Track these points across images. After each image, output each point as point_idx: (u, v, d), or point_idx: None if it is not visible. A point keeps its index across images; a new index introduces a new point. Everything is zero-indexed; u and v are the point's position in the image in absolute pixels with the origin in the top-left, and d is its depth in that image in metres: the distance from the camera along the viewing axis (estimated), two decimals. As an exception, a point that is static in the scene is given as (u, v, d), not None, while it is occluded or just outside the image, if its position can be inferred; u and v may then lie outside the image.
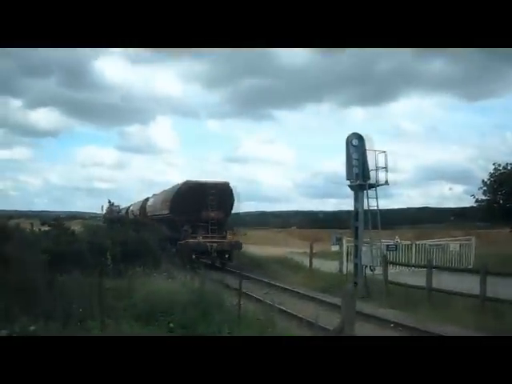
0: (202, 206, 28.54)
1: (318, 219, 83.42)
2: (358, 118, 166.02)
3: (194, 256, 25.90)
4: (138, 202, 41.32)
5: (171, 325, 10.68)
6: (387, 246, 23.07)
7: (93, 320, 10.06)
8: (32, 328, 8.26)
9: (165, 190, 34.12)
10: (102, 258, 17.09)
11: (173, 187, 32.14)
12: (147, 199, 38.34)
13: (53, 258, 14.21)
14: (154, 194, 37.40)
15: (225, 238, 28.96)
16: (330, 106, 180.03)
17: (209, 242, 27.76)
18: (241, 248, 29.23)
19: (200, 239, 27.95)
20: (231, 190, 30.13)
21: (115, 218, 27.50)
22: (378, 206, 19.58)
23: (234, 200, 30.25)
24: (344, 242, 23.76)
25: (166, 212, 30.56)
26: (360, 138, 20.21)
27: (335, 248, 24.30)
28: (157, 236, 23.16)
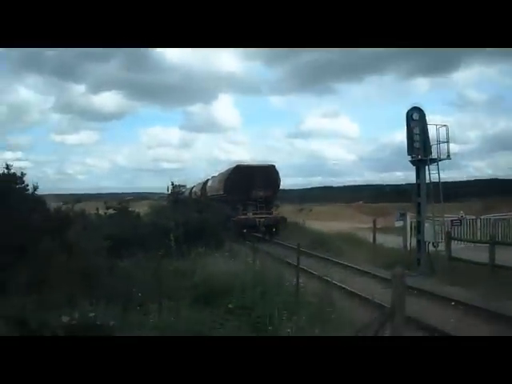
0: (251, 186, 32.31)
1: (384, 193, 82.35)
2: (422, 89, 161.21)
3: (244, 230, 27.42)
4: (199, 183, 44.40)
5: (230, 306, 10.94)
6: (451, 221, 22.69)
7: (153, 303, 10.43)
8: (92, 314, 8.56)
9: (221, 173, 37.62)
10: (165, 239, 17.59)
11: (226, 170, 35.84)
12: (207, 181, 41.43)
13: (116, 242, 14.74)
14: (213, 176, 40.36)
15: (271, 213, 33.05)
16: (392, 76, 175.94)
17: (257, 217, 31.72)
18: (286, 222, 33.18)
19: (249, 215, 31.91)
20: (277, 172, 34.32)
21: (178, 199, 28.20)
22: (439, 181, 19.28)
23: (279, 180, 34.68)
24: (408, 217, 23.47)
25: (222, 192, 34.17)
26: (421, 111, 19.87)
27: (399, 224, 24.04)
28: (217, 215, 23.76)
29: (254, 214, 32.07)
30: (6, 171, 14.42)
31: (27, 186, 15.07)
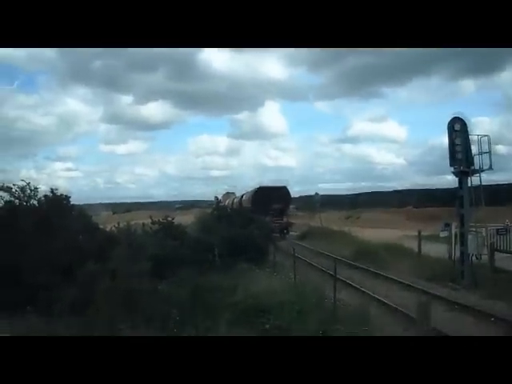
0: (269, 201, 44.67)
1: (434, 197, 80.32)
2: (468, 90, 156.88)
3: None
4: (238, 196, 55.79)
5: (267, 326, 11.12)
6: (497, 230, 22.34)
7: (190, 325, 10.66)
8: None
9: (251, 191, 50.14)
10: (209, 256, 17.92)
11: (253, 189, 49.07)
12: (243, 195, 52.72)
13: (159, 263, 15.10)
14: (247, 192, 51.75)
15: (283, 220, 45.99)
16: (438, 78, 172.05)
17: (274, 223, 42.90)
18: (291, 226, 47.12)
19: (269, 221, 41.11)
20: (288, 191, 47.96)
21: (222, 214, 29.11)
22: (481, 195, 19.01)
23: (290, 196, 48.54)
24: (453, 227, 23.17)
25: (250, 205, 45.25)
26: (462, 121, 19.68)
27: (444, 234, 23.75)
28: (260, 229, 24.43)
29: (271, 220, 42.57)
30: (51, 194, 15.07)
31: (73, 207, 15.73)
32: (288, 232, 45.89)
